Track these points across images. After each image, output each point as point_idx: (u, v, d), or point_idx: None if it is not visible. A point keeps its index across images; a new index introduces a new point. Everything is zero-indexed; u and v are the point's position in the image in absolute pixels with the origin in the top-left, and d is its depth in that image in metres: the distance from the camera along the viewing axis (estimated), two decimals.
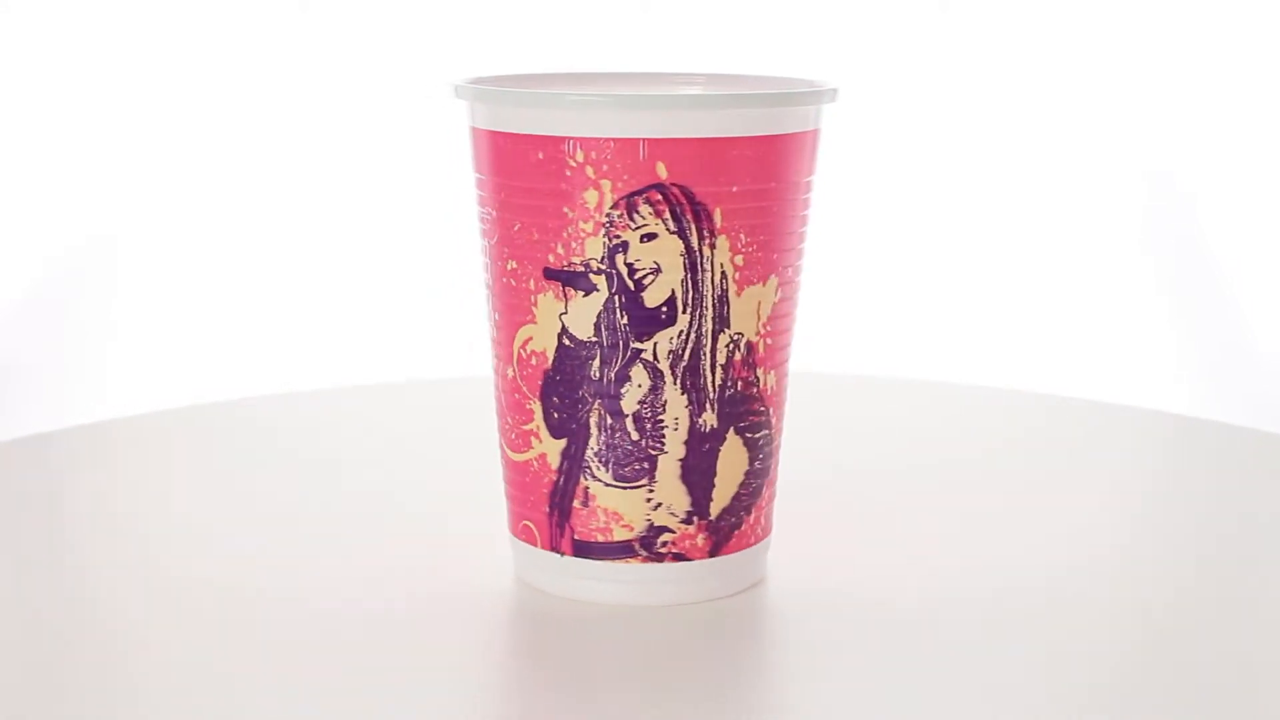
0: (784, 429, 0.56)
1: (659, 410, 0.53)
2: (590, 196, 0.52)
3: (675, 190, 0.52)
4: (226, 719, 0.47)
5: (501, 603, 0.55)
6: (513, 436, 0.55)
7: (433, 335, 1.09)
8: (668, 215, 0.52)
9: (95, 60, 1.11)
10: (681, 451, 0.53)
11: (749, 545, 0.55)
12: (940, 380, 0.85)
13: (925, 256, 1.14)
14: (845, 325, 1.08)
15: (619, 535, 0.54)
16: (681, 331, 0.53)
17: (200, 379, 1.09)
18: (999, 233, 1.14)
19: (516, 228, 0.53)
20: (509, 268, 0.54)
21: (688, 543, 0.54)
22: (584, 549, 0.54)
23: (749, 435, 0.54)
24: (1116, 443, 0.75)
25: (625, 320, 0.53)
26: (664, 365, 0.53)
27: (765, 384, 0.54)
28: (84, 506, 0.65)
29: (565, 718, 0.48)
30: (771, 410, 0.55)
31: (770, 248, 0.53)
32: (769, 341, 0.54)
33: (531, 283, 0.53)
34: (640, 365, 0.53)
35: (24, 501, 0.65)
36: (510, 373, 0.55)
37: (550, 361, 0.54)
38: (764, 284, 0.53)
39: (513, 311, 0.54)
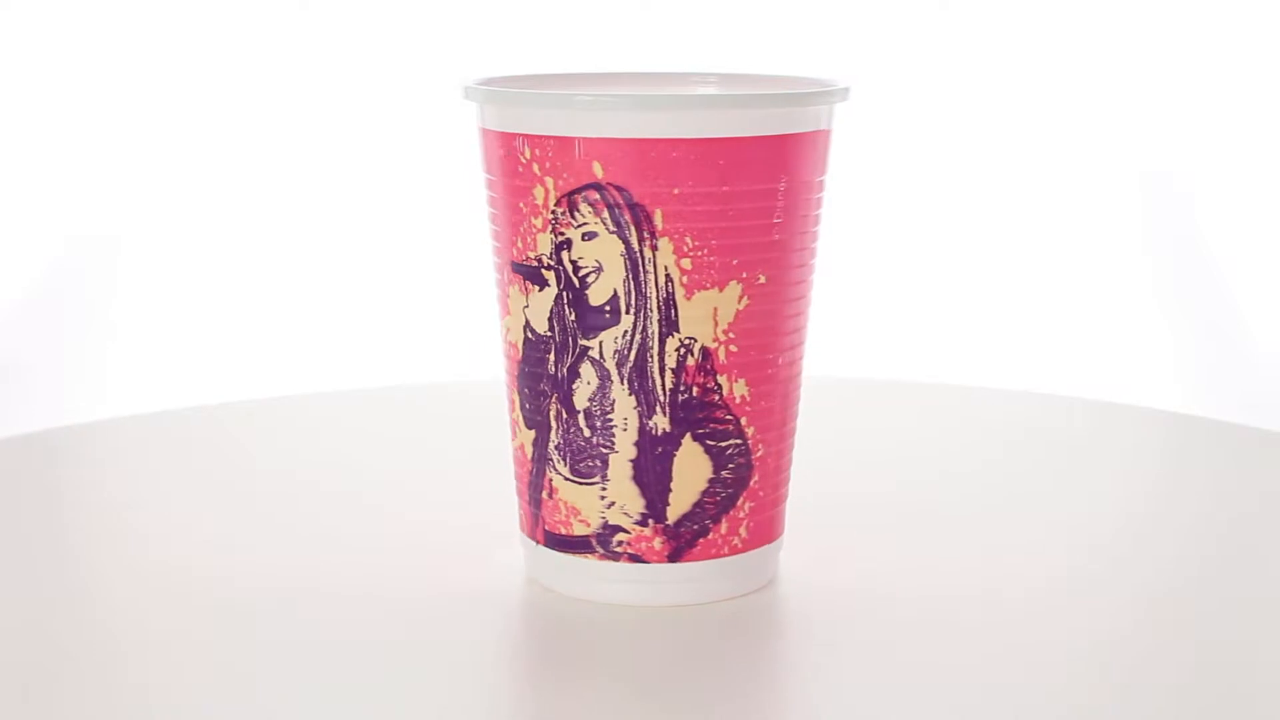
0: (785, 438, 0.55)
1: (608, 409, 0.53)
2: (538, 193, 0.52)
3: (613, 190, 0.51)
4: None
5: (504, 602, 0.55)
6: (509, 424, 0.56)
7: (433, 337, 1.09)
8: (606, 215, 0.51)
9: (96, 60, 1.11)
10: (632, 452, 0.53)
11: (720, 555, 0.54)
12: (941, 381, 0.85)
13: (924, 259, 1.14)
14: (843, 327, 1.07)
15: (578, 530, 0.54)
16: (626, 332, 0.52)
17: (200, 379, 1.09)
18: (998, 234, 1.14)
19: (496, 222, 0.54)
20: (494, 261, 0.55)
21: (644, 545, 0.54)
22: (552, 540, 0.55)
23: (710, 443, 0.53)
24: (1116, 443, 0.75)
25: (573, 317, 0.52)
26: (610, 364, 0.52)
27: (731, 392, 0.53)
28: (84, 506, 0.65)
29: (564, 717, 0.48)
30: (744, 420, 0.53)
31: (727, 253, 0.52)
32: (732, 349, 0.53)
33: (505, 275, 0.54)
34: (589, 363, 0.53)
35: (24, 501, 0.65)
36: (503, 361, 0.55)
37: (520, 353, 0.54)
38: (720, 290, 0.52)
39: (500, 303, 0.55)
